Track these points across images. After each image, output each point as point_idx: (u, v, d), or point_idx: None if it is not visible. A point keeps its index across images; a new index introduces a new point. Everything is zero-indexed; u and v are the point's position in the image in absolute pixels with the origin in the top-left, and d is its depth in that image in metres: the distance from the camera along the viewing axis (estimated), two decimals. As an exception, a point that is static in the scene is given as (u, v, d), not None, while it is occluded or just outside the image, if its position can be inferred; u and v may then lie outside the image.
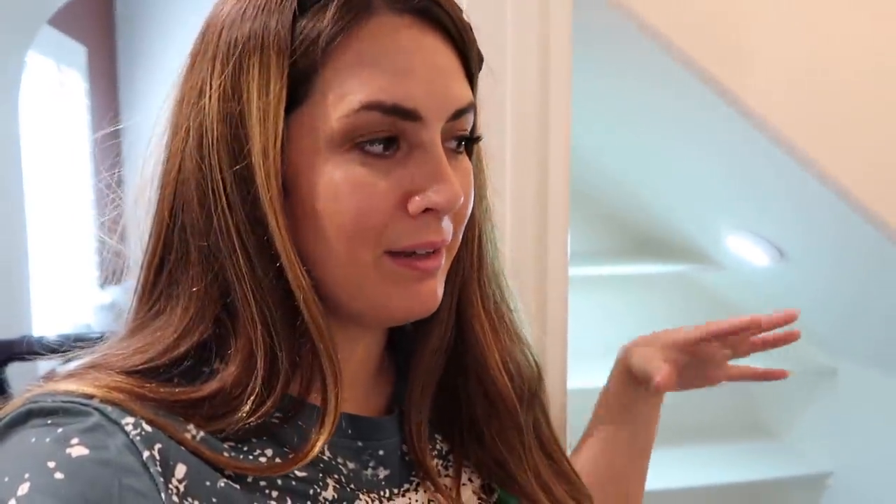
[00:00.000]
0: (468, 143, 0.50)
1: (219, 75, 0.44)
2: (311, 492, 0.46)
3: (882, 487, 1.84)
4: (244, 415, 0.43)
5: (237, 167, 0.43)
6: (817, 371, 1.97)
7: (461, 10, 0.48)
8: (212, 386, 0.44)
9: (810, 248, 1.54)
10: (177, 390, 0.44)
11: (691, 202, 1.75)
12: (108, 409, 0.42)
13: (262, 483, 0.44)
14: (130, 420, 0.42)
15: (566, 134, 0.97)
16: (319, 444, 0.44)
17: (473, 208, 0.52)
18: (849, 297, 1.60)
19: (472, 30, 0.49)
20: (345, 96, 0.43)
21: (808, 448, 2.06)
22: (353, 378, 0.52)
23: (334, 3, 0.43)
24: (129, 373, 0.44)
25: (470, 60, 0.48)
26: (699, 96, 1.16)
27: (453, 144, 0.48)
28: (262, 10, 0.44)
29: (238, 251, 0.44)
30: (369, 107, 0.43)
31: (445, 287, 0.50)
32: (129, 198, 0.51)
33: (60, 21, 2.42)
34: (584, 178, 1.85)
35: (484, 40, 0.86)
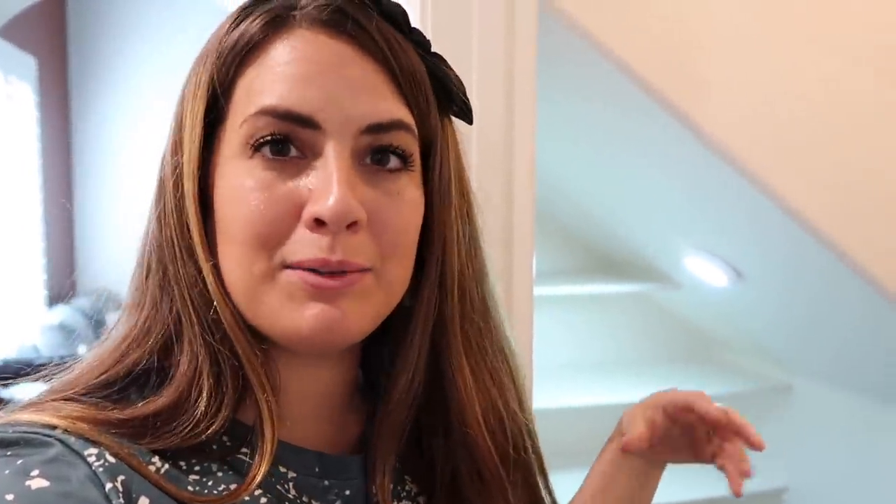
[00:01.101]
0: (406, 163, 0.46)
1: (180, 91, 0.48)
2: None
3: (836, 501, 1.88)
4: (194, 429, 0.43)
5: (174, 171, 0.46)
6: (773, 388, 2.01)
7: (396, 29, 0.46)
8: (163, 398, 0.44)
9: (766, 269, 1.57)
10: (132, 408, 0.43)
11: (651, 223, 1.77)
12: (71, 439, 0.41)
13: None
14: (93, 451, 0.41)
15: (531, 156, 0.98)
16: (260, 474, 0.43)
17: (450, 252, 0.49)
18: (803, 315, 1.64)
19: (423, 50, 0.47)
20: (249, 103, 0.44)
21: (763, 464, 2.09)
22: (318, 413, 0.50)
23: (260, 16, 0.45)
24: (88, 394, 0.44)
25: (400, 80, 0.46)
26: (659, 121, 1.18)
27: (390, 161, 0.45)
28: (216, 31, 0.48)
29: (176, 255, 0.45)
30: (264, 111, 0.43)
31: (417, 328, 0.48)
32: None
33: (9, 32, 2.36)
34: (546, 198, 1.86)
35: (449, 63, 0.86)
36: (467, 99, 0.50)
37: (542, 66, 0.92)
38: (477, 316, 0.52)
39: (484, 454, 0.51)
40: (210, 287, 0.44)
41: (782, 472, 2.03)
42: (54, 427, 0.41)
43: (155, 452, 0.43)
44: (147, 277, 0.47)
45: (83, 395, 0.44)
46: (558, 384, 1.97)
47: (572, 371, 2.09)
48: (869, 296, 1.30)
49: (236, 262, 0.44)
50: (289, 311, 0.43)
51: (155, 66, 2.60)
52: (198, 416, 0.43)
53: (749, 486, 1.97)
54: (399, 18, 0.47)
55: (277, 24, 0.44)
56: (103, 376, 0.45)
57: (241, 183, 0.43)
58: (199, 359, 0.44)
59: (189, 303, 0.45)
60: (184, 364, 0.45)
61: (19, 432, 0.40)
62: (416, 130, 0.46)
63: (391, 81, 0.45)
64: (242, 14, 0.46)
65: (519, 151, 0.95)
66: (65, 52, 3.05)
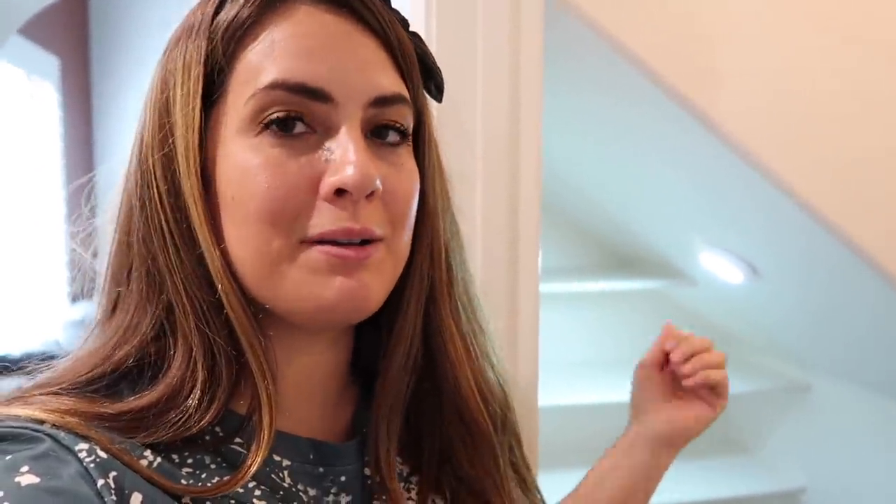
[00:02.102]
0: (404, 137, 0.48)
1: (157, 73, 0.47)
2: None
3: (855, 502, 1.85)
4: (187, 422, 0.43)
5: (162, 154, 0.44)
6: (791, 387, 1.98)
7: (387, 7, 0.48)
8: (155, 393, 0.43)
9: (782, 265, 1.55)
10: (123, 402, 0.43)
11: (664, 218, 1.76)
12: (61, 434, 0.40)
13: None
14: (84, 446, 0.40)
15: (537, 150, 0.97)
16: (258, 461, 0.43)
17: (438, 223, 0.51)
18: (820, 312, 1.61)
19: (403, 28, 0.48)
20: (253, 79, 0.43)
21: (781, 463, 2.07)
22: (311, 399, 0.51)
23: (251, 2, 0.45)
24: (76, 388, 0.43)
25: (398, 56, 0.47)
26: (672, 115, 1.17)
27: (389, 136, 0.47)
28: (195, 8, 0.46)
29: (168, 243, 0.44)
30: (274, 86, 0.43)
31: (411, 299, 0.49)
32: (102, 215, 0.51)
33: (32, 31, 2.40)
34: (558, 193, 1.86)
35: (455, 57, 0.86)
36: (442, 78, 0.52)
37: (549, 58, 0.91)
38: (461, 287, 0.54)
39: (477, 418, 0.53)
40: (215, 271, 0.43)
41: (800, 473, 2.00)
42: (42, 422, 0.40)
43: (147, 446, 0.42)
44: (130, 271, 0.46)
45: (71, 390, 0.44)
46: (572, 382, 1.96)
47: (586, 368, 2.08)
48: (888, 293, 1.28)
49: (250, 243, 0.43)
50: (312, 286, 0.43)
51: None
52: (191, 408, 0.43)
53: (767, 486, 1.96)
54: None
55: (276, 1, 0.45)
56: (90, 373, 0.45)
57: (250, 161, 0.43)
58: (194, 350, 0.44)
59: (183, 292, 0.44)
60: (177, 357, 0.44)
61: (6, 427, 0.40)
62: (411, 104, 0.48)
63: (390, 57, 0.47)
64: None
65: (525, 144, 0.94)
66: (87, 50, 3.09)
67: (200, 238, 0.43)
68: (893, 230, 1.21)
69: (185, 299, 0.44)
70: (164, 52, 0.47)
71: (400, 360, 0.50)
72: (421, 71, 0.50)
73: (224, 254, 0.44)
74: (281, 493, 0.46)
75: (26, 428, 0.40)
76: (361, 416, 0.53)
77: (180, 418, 0.43)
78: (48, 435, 0.40)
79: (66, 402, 0.42)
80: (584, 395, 1.88)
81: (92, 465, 0.39)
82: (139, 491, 0.40)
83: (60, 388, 0.43)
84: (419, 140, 0.50)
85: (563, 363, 2.05)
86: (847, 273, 1.31)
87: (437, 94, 0.52)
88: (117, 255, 0.48)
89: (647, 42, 1.10)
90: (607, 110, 1.41)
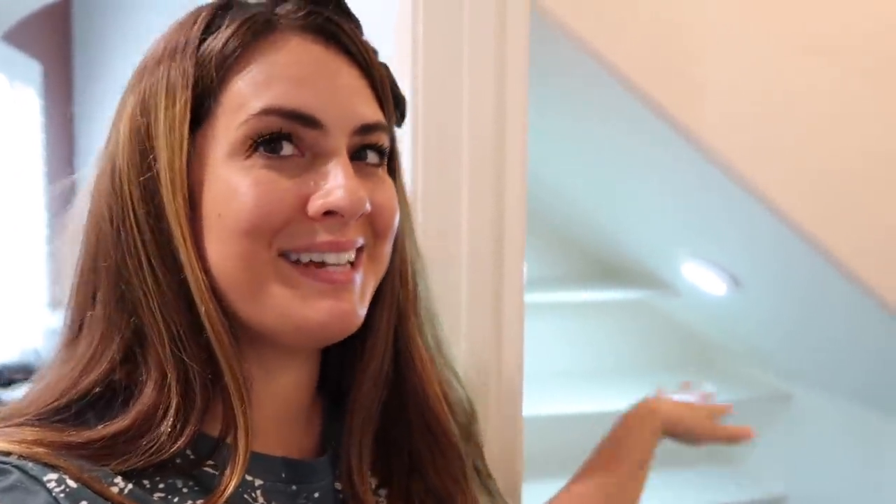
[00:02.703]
0: (383, 158, 0.50)
1: (132, 97, 0.46)
2: None
3: (835, 511, 1.87)
4: (159, 448, 0.42)
5: (143, 179, 0.44)
6: (772, 396, 2.00)
7: (363, 36, 0.50)
8: (126, 419, 0.43)
9: (763, 277, 1.57)
10: (92, 430, 0.42)
11: (648, 230, 1.77)
12: (29, 465, 0.39)
13: None
14: (53, 476, 0.39)
15: (522, 162, 0.98)
16: (232, 485, 0.43)
17: (403, 241, 0.53)
18: (800, 322, 1.63)
19: (376, 56, 0.51)
20: (245, 105, 0.44)
21: (763, 472, 2.08)
22: (283, 417, 0.51)
23: (237, 20, 0.46)
24: (42, 418, 0.42)
25: (377, 85, 0.49)
26: (654, 129, 1.18)
27: (368, 157, 0.48)
28: (175, 32, 0.46)
29: (144, 266, 0.43)
30: (268, 111, 0.44)
31: (383, 315, 0.51)
32: (61, 233, 0.50)
33: (14, 37, 2.38)
34: (544, 204, 1.87)
35: (441, 71, 0.87)
36: (406, 105, 0.55)
37: (535, 74, 0.92)
38: (424, 303, 0.56)
39: (445, 428, 0.54)
40: (198, 292, 0.43)
41: (781, 481, 2.02)
42: (8, 453, 0.40)
43: (118, 473, 0.42)
44: (95, 294, 0.46)
45: (36, 420, 0.43)
46: (556, 391, 1.97)
47: (570, 378, 2.08)
48: (867, 307, 1.29)
49: (236, 258, 0.44)
50: (300, 308, 0.44)
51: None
52: (164, 434, 0.42)
53: (749, 495, 1.98)
54: (361, 27, 0.51)
55: (265, 30, 0.46)
56: (57, 402, 0.44)
57: (240, 181, 0.44)
58: (167, 375, 0.43)
59: (159, 316, 0.43)
60: (149, 382, 0.44)
61: None
62: (388, 130, 0.50)
63: (370, 87, 0.49)
64: (216, 19, 0.46)
65: (511, 156, 0.95)
66: (70, 57, 3.07)
67: (184, 259, 0.43)
68: (868, 241, 1.23)
69: (160, 324, 0.43)
70: (139, 74, 0.47)
71: (373, 375, 0.51)
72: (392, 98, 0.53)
73: (207, 274, 0.44)
74: None
75: None
76: (329, 431, 0.54)
77: (153, 444, 0.42)
78: (15, 466, 0.39)
79: (33, 433, 0.41)
80: (568, 404, 1.88)
81: (62, 496, 0.39)
82: None
83: (26, 419, 0.43)
84: (392, 163, 0.53)
85: (547, 373, 2.06)
86: (825, 283, 1.32)
87: (400, 120, 0.55)
88: (82, 277, 0.47)
89: (631, 56, 1.11)
90: (592, 125, 1.42)
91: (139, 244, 0.44)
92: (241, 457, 0.43)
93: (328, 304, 0.45)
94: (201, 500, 0.43)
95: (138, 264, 0.44)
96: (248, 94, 0.44)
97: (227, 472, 0.43)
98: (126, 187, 0.45)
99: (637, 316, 2.17)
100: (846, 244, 1.22)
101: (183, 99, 0.44)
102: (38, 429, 0.42)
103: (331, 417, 0.54)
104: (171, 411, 0.43)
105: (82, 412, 0.44)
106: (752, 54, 1.16)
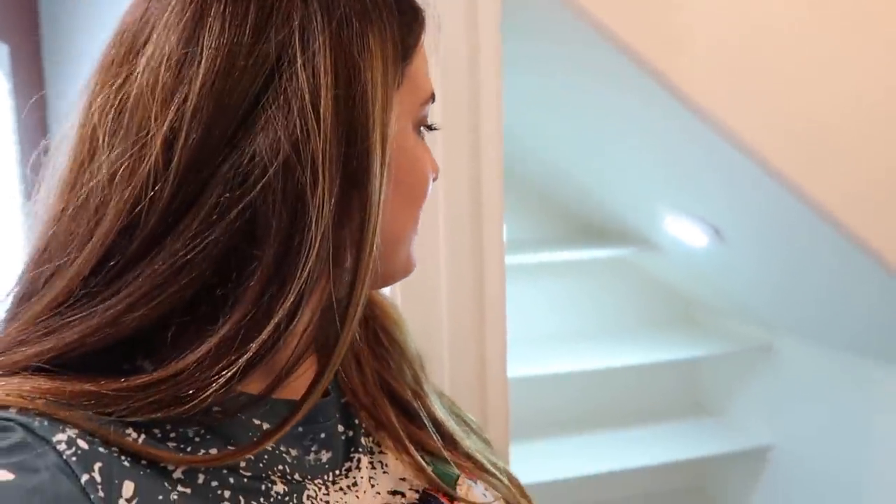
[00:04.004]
0: None
1: (323, 49, 0.41)
2: (263, 488, 0.43)
3: (821, 456, 1.91)
4: (191, 401, 0.39)
5: (352, 146, 0.42)
6: (754, 347, 2.03)
7: None
8: (179, 364, 0.39)
9: (745, 228, 1.58)
10: (127, 380, 0.39)
11: (628, 186, 1.77)
12: (35, 423, 0.36)
13: (214, 484, 0.41)
14: (62, 437, 0.36)
15: (498, 122, 0.97)
16: (278, 435, 0.43)
17: None
18: (782, 273, 1.65)
19: None
20: (421, 85, 0.48)
21: (748, 423, 2.12)
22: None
23: (418, 5, 0.48)
24: (39, 367, 0.39)
25: None
26: (634, 82, 1.18)
27: None
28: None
29: (323, 219, 0.40)
30: (433, 96, 0.50)
31: None
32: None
33: (-22, 18, 2.32)
34: (522, 164, 1.86)
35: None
36: None
37: (509, 28, 0.91)
38: None
39: (407, 344, 0.59)
40: (373, 230, 0.43)
41: (767, 431, 2.06)
42: (6, 406, 0.37)
43: (128, 424, 0.39)
44: (245, 242, 0.41)
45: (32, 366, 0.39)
46: (542, 352, 1.98)
47: (555, 338, 2.10)
48: (848, 252, 1.31)
49: (405, 216, 0.49)
50: (412, 252, 0.52)
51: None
52: (206, 391, 0.39)
53: (735, 445, 2.02)
54: None
55: (422, 14, 0.49)
56: (77, 347, 0.39)
57: (420, 154, 0.49)
58: (253, 326, 0.40)
59: (313, 254, 0.40)
60: (217, 332, 0.40)
61: None
62: None
63: None
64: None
65: (485, 116, 0.94)
66: (38, 37, 3.00)
67: (371, 226, 0.43)
68: (853, 189, 1.24)
69: (325, 269, 0.41)
70: (307, 26, 0.41)
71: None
72: None
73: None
74: (266, 457, 0.44)
75: None
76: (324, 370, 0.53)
77: (184, 398, 0.39)
78: (20, 424, 0.36)
79: (33, 381, 0.38)
80: (556, 364, 1.90)
81: (74, 459, 0.36)
82: (130, 479, 0.38)
83: (18, 361, 0.39)
84: None
85: (530, 334, 2.07)
86: (808, 233, 1.33)
87: None
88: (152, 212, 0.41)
89: (610, 8, 1.10)
90: (570, 81, 1.41)
91: (325, 212, 0.40)
92: (300, 413, 0.43)
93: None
94: (231, 448, 0.42)
95: (324, 219, 0.40)
96: (422, 76, 0.48)
97: (271, 427, 0.43)
98: (319, 152, 0.40)
99: (619, 274, 2.18)
100: (830, 193, 1.23)
101: (398, 77, 0.45)
102: (49, 378, 0.39)
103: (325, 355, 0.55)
104: (234, 367, 0.39)
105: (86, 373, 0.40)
106: (734, 2, 1.15)
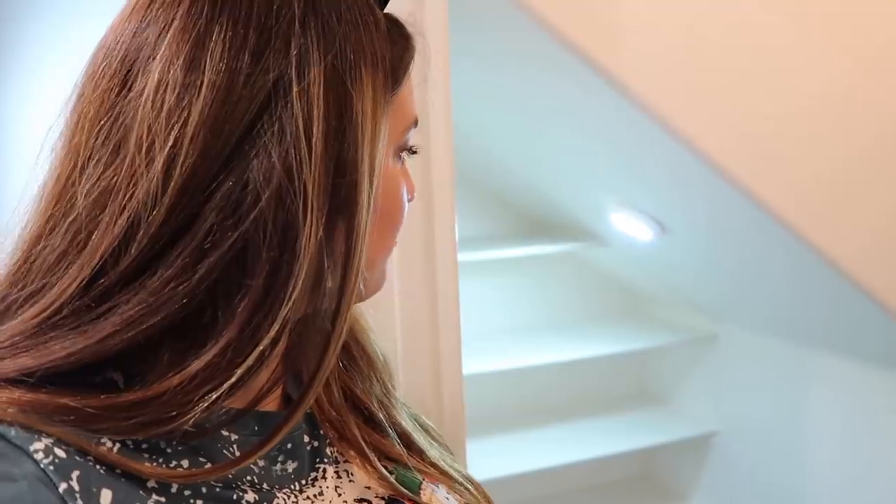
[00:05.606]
0: None
1: (318, 79, 0.41)
2: (235, 497, 0.44)
3: (764, 442, 1.97)
4: (174, 420, 0.39)
5: (341, 177, 0.43)
6: (700, 338, 2.08)
7: None
8: (165, 384, 0.40)
9: (690, 223, 1.61)
10: (109, 396, 0.39)
11: (575, 181, 1.79)
12: (11, 432, 0.37)
13: (188, 493, 0.42)
14: (39, 446, 0.37)
15: (448, 120, 0.96)
16: (261, 452, 0.44)
17: None
18: (726, 266, 1.69)
19: None
20: (405, 111, 0.49)
21: (694, 411, 2.18)
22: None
23: (409, 34, 0.48)
24: (17, 379, 0.39)
25: None
26: (577, 76, 1.18)
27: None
28: (345, 21, 0.44)
29: (309, 249, 0.41)
30: (415, 122, 0.51)
31: None
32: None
33: None
34: (471, 162, 1.86)
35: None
36: None
37: (456, 27, 0.90)
38: None
39: (376, 355, 0.60)
40: (357, 266, 0.44)
41: (712, 418, 2.12)
42: None
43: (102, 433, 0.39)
44: (233, 267, 0.41)
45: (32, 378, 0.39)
46: (494, 348, 1.99)
47: (506, 334, 2.11)
48: (787, 243, 1.34)
49: (383, 239, 0.50)
50: (384, 272, 0.53)
51: (63, 49, 2.47)
52: (192, 409, 0.40)
53: (681, 433, 2.05)
54: None
55: (411, 41, 0.49)
56: (60, 363, 0.39)
57: (399, 179, 0.50)
58: (248, 344, 0.41)
59: (299, 282, 0.41)
60: (208, 350, 0.40)
61: None
62: None
63: None
64: (391, 22, 0.47)
65: (435, 115, 0.93)
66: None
67: (357, 250, 0.44)
68: (797, 183, 1.28)
69: (303, 292, 0.42)
70: (303, 57, 0.42)
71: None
72: None
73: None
74: (234, 468, 0.45)
75: None
76: (294, 381, 0.54)
77: (166, 415, 0.39)
78: None
79: (20, 395, 0.38)
80: (503, 360, 1.91)
81: (51, 468, 0.37)
82: (107, 487, 0.38)
83: (23, 375, 0.39)
84: None
85: (480, 330, 2.08)
86: (753, 229, 1.37)
87: None
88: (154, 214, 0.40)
89: (554, 4, 1.10)
90: (515, 76, 1.41)
91: (312, 238, 0.41)
92: (283, 431, 0.44)
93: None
94: (187, 462, 0.43)
95: (304, 250, 0.41)
96: (407, 103, 0.49)
97: (255, 444, 0.44)
98: (309, 182, 0.41)
99: (568, 268, 2.21)
100: (772, 187, 1.26)
101: (380, 91, 0.45)
102: (28, 390, 0.38)
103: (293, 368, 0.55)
104: (218, 391, 0.40)
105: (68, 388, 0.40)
106: None
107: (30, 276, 0.41)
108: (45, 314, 0.40)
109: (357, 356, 0.58)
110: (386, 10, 0.48)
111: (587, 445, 1.99)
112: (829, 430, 1.80)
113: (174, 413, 0.39)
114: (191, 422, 0.40)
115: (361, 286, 0.46)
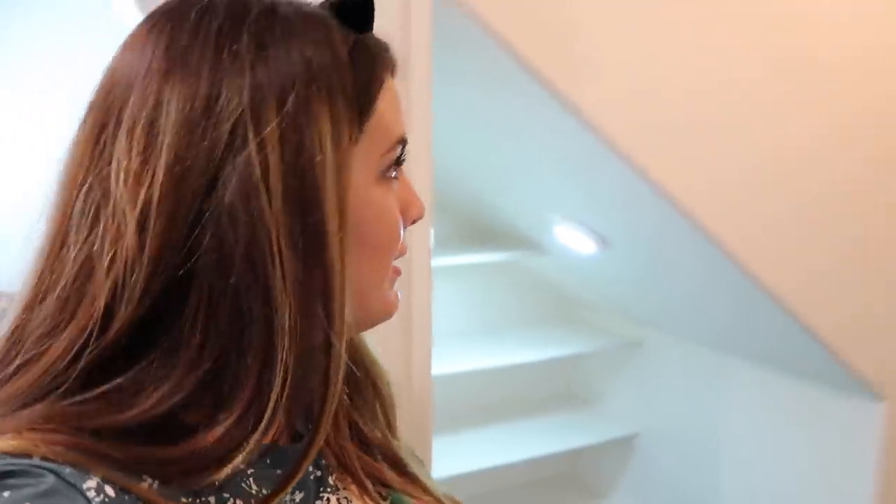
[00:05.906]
0: None
1: (271, 119, 0.41)
2: None
3: (681, 442, 2.09)
4: (228, 471, 0.41)
5: (307, 217, 0.42)
6: (627, 343, 2.18)
7: None
8: (197, 443, 0.41)
9: (630, 237, 1.68)
10: (144, 448, 0.40)
11: (522, 194, 1.84)
12: (66, 470, 0.37)
13: None
14: (92, 483, 0.38)
15: (427, 132, 1.00)
16: (289, 487, 0.45)
17: None
18: (654, 276, 1.77)
19: None
20: (386, 133, 0.48)
21: (618, 413, 2.28)
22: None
23: (381, 58, 0.48)
24: (83, 431, 0.40)
25: None
26: (534, 97, 1.23)
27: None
28: (315, 48, 0.44)
29: (289, 296, 0.41)
30: (400, 141, 0.49)
31: None
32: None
33: None
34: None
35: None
36: None
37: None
38: None
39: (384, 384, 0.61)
40: (339, 304, 0.43)
41: (634, 419, 2.22)
42: (29, 455, 0.37)
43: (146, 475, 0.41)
44: (195, 315, 0.42)
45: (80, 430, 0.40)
46: (438, 352, 2.02)
47: (445, 339, 2.15)
48: (729, 272, 1.42)
49: (374, 267, 0.49)
50: (389, 297, 0.52)
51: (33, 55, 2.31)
52: (234, 456, 0.42)
53: (605, 435, 2.11)
54: None
55: (389, 58, 0.49)
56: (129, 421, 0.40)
57: (386, 204, 0.49)
58: (262, 395, 0.42)
59: (287, 330, 0.42)
60: (235, 406, 0.42)
61: (3, 463, 0.37)
62: None
63: None
64: (356, 47, 0.46)
65: (414, 124, 0.98)
66: None
67: (335, 284, 0.43)
68: (743, 217, 1.37)
69: (288, 335, 0.42)
70: (257, 105, 0.41)
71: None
72: None
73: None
74: (252, 501, 0.46)
75: (22, 463, 0.37)
76: (304, 414, 0.55)
77: (211, 476, 0.41)
78: (50, 471, 0.37)
79: (69, 437, 0.39)
80: (443, 365, 1.95)
81: None
82: None
83: (60, 425, 0.40)
84: None
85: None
86: (692, 250, 1.45)
87: None
88: (161, 293, 0.42)
89: (517, 27, 1.14)
90: (469, 91, 1.44)
91: (287, 277, 0.41)
92: (306, 464, 0.46)
93: (395, 291, 0.53)
94: (241, 501, 0.45)
95: (282, 295, 0.41)
96: (388, 122, 0.48)
97: (287, 471, 0.45)
98: (270, 219, 0.41)
99: (508, 276, 2.27)
100: (722, 221, 1.34)
101: (351, 133, 0.45)
102: (71, 436, 0.40)
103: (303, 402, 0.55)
104: (248, 444, 0.42)
105: (130, 437, 0.41)
106: (638, 28, 1.23)
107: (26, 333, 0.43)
108: (27, 389, 0.41)
109: (370, 397, 0.59)
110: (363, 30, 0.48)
111: (516, 448, 2.05)
112: (741, 431, 1.92)
113: (213, 467, 0.41)
114: (229, 472, 0.41)
115: (355, 315, 0.46)
